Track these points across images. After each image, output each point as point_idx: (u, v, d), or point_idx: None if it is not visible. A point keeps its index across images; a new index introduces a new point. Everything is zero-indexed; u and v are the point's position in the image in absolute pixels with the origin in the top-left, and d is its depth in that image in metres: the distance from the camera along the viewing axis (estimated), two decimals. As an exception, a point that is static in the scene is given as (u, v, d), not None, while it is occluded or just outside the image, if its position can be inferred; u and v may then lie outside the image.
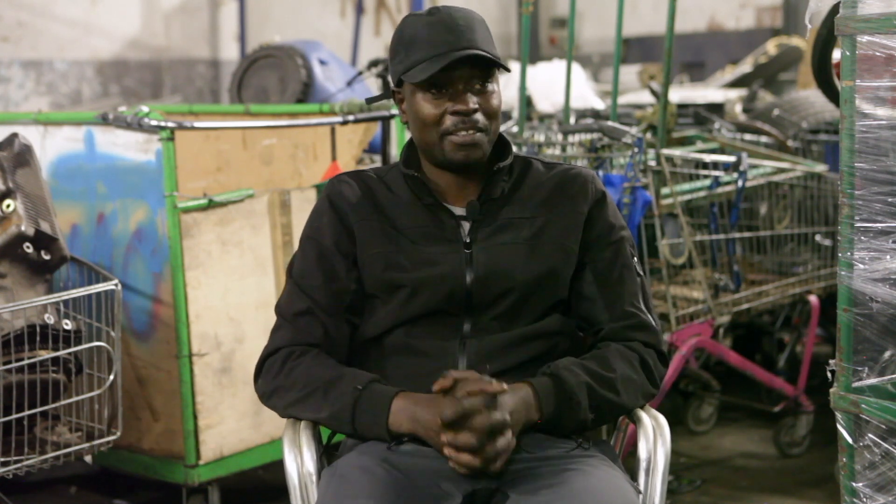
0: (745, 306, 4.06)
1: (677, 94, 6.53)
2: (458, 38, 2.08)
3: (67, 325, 3.00)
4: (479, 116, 2.11)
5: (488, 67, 2.11)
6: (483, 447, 1.94)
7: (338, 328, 2.17)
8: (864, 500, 2.32)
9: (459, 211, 2.19)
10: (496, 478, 2.01)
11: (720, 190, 4.02)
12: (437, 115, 2.10)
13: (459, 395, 1.95)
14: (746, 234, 4.25)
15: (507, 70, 2.16)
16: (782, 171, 4.36)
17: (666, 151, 3.91)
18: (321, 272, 2.17)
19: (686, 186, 3.98)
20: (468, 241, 2.16)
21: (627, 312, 2.19)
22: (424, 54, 2.08)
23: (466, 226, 2.18)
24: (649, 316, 2.21)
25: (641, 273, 2.25)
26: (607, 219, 2.22)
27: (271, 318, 2.23)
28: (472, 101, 2.10)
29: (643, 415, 2.16)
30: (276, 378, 2.15)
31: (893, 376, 2.31)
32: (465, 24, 2.10)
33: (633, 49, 11.04)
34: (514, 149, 2.25)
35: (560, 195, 2.21)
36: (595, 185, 2.23)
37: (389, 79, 2.30)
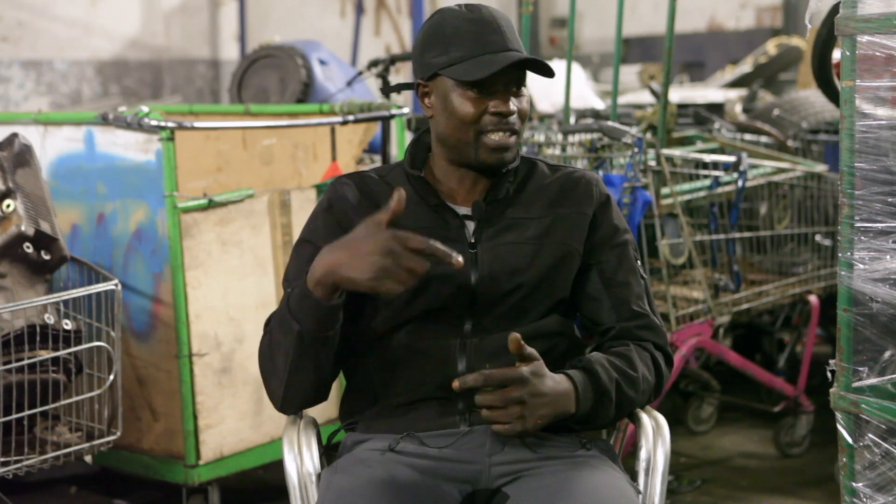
0: (745, 306, 4.06)
1: (677, 94, 6.53)
2: (504, 39, 2.10)
3: (67, 325, 3.00)
4: (515, 119, 2.12)
5: (524, 72, 2.12)
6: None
7: None
8: (864, 500, 2.32)
9: (464, 211, 2.19)
10: (496, 479, 2.02)
11: (720, 190, 4.03)
12: (476, 114, 2.10)
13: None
14: (746, 234, 4.25)
15: (552, 75, 2.15)
16: (782, 171, 4.36)
17: (666, 151, 3.91)
18: None
19: (686, 186, 3.98)
20: (473, 241, 2.16)
21: (637, 313, 2.19)
22: (470, 51, 2.08)
23: (471, 226, 2.18)
24: (657, 318, 2.22)
25: (645, 276, 2.25)
26: (612, 222, 2.23)
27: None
28: (513, 104, 2.10)
29: (643, 415, 2.17)
30: (261, 372, 2.12)
31: (893, 376, 2.31)
32: (507, 26, 2.13)
33: (633, 49, 11.04)
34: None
35: (565, 197, 2.21)
36: (599, 189, 2.24)
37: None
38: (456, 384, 1.93)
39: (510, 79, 2.10)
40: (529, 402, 1.94)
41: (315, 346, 2.01)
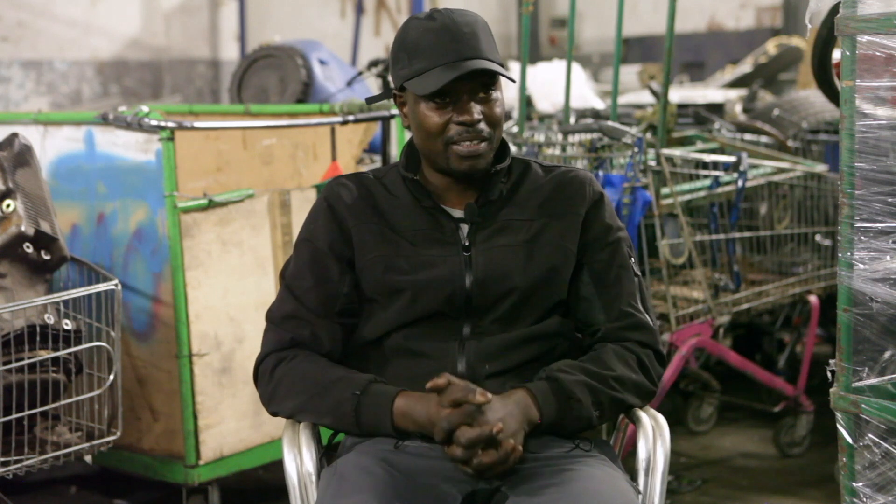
0: (745, 306, 4.06)
1: (677, 94, 6.53)
2: (463, 46, 2.07)
3: (67, 325, 3.00)
4: (483, 126, 2.10)
5: (492, 76, 2.11)
6: (471, 459, 1.95)
7: (328, 331, 2.16)
8: (864, 500, 2.32)
9: (458, 213, 2.19)
10: (496, 479, 2.02)
11: (720, 190, 4.02)
12: (441, 124, 2.10)
13: (444, 404, 1.97)
14: (746, 234, 4.25)
15: (513, 80, 2.15)
16: (782, 171, 4.36)
17: (666, 151, 3.91)
18: (313, 275, 2.17)
19: (686, 186, 3.98)
20: (467, 243, 2.16)
21: (624, 312, 2.19)
22: (428, 63, 2.07)
23: (465, 228, 2.18)
24: (646, 316, 2.21)
25: (639, 273, 2.25)
26: (604, 220, 2.22)
27: (271, 319, 2.23)
28: (477, 111, 2.09)
29: (643, 415, 2.17)
30: (268, 385, 2.15)
31: (893, 376, 2.30)
32: (470, 32, 2.09)
33: (633, 49, 11.04)
34: (513, 149, 2.25)
35: (558, 197, 2.21)
36: (593, 188, 2.23)
37: (390, 80, 2.30)
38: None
39: (474, 85, 2.09)
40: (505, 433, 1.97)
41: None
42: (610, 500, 1.94)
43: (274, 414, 2.17)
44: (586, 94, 6.94)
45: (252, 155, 4.22)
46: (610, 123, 3.83)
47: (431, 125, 2.10)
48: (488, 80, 2.10)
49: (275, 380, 2.14)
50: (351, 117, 3.86)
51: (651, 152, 3.78)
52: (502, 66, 2.12)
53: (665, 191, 3.80)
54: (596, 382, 2.08)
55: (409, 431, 2.04)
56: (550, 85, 6.72)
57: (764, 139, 4.94)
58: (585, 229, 2.20)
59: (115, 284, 3.11)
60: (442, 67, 2.06)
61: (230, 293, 3.48)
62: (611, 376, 2.10)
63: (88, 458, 3.15)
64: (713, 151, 4.24)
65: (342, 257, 2.17)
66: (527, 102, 4.88)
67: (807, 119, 5.17)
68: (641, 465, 2.12)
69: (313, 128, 4.11)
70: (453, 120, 2.09)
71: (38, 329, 2.93)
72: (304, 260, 2.20)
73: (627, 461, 2.21)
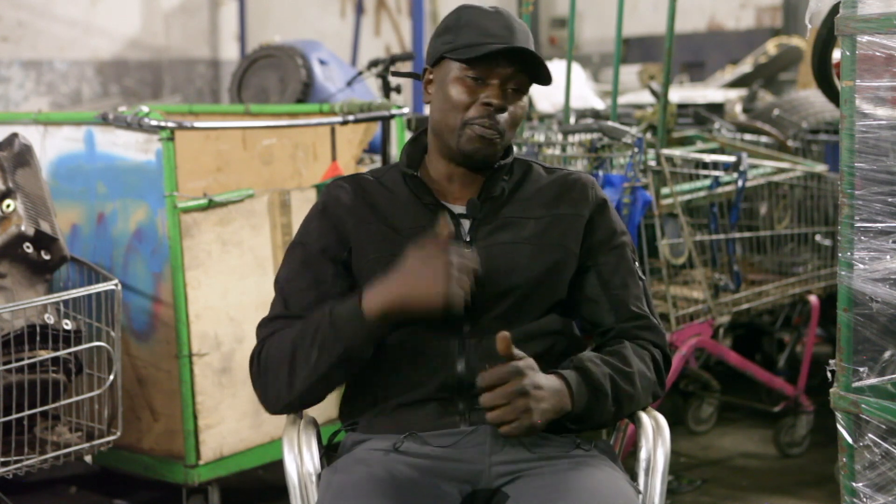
0: (745, 306, 4.06)
1: (677, 94, 6.53)
2: (514, 36, 2.11)
3: (67, 325, 3.00)
4: (502, 117, 2.11)
5: (529, 76, 2.13)
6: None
7: None
8: (864, 500, 2.32)
9: (459, 209, 2.19)
10: (495, 478, 2.02)
11: (720, 190, 4.03)
12: (467, 100, 2.11)
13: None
14: (746, 234, 4.25)
15: (549, 82, 2.16)
16: (782, 171, 4.36)
17: (666, 151, 3.91)
18: (303, 277, 2.16)
19: (686, 186, 3.98)
20: (468, 239, 2.16)
21: (636, 314, 2.20)
22: (479, 39, 2.10)
23: (466, 224, 2.18)
24: (655, 318, 2.22)
25: (643, 277, 2.26)
26: (610, 224, 2.23)
27: (271, 319, 2.23)
28: (503, 100, 2.11)
29: (643, 415, 2.17)
30: (259, 378, 2.14)
31: (893, 376, 2.31)
32: (521, 29, 2.14)
33: (633, 49, 11.03)
34: (514, 149, 2.25)
35: (561, 198, 2.21)
36: (595, 191, 2.24)
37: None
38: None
39: (508, 77, 2.11)
40: (532, 392, 1.93)
41: (355, 364, 2.06)
42: (610, 500, 1.94)
43: (273, 404, 2.14)
44: (586, 94, 6.94)
45: (252, 155, 4.22)
46: (610, 123, 3.83)
47: (458, 99, 2.11)
48: (523, 80, 2.13)
49: (262, 366, 2.13)
50: (351, 117, 3.86)
51: (651, 152, 3.78)
52: (547, 68, 2.15)
53: (665, 191, 3.80)
54: (618, 378, 2.08)
55: (383, 317, 1.99)
56: (550, 85, 6.72)
57: (764, 139, 4.94)
58: (590, 232, 2.20)
59: (115, 284, 3.12)
60: (491, 44, 2.09)
61: (230, 293, 3.48)
62: (631, 372, 2.10)
63: (88, 458, 3.15)
64: (713, 151, 4.24)
65: (336, 259, 2.17)
66: (527, 102, 4.88)
67: (807, 119, 5.18)
68: (641, 465, 2.12)
69: (313, 128, 4.11)
70: (481, 100, 2.10)
71: (38, 329, 2.93)
72: (295, 262, 2.19)
73: (627, 461, 2.22)
